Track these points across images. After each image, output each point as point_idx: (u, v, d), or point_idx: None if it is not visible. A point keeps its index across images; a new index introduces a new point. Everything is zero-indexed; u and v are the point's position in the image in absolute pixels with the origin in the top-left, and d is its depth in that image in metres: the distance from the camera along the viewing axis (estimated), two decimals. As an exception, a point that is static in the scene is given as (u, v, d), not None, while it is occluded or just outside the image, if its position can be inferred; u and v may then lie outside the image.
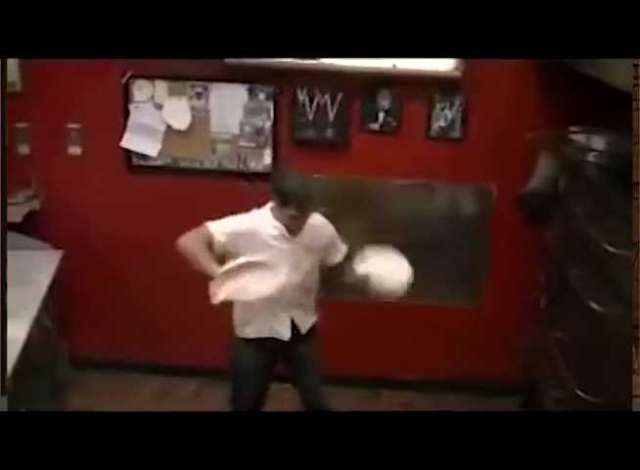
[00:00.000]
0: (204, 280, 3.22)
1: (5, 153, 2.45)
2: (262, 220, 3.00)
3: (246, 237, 2.96)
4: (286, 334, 3.12)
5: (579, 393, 2.81)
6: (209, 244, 2.93)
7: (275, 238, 3.00)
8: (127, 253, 3.97)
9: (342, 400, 3.78)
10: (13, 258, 3.34)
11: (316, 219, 3.09)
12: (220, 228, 2.95)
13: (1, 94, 2.32)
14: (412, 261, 3.10)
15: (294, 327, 3.13)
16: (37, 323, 3.02)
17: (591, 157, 3.18)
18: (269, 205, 3.04)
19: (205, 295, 3.34)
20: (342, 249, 3.20)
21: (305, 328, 3.17)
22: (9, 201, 3.62)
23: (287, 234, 3.00)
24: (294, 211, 2.90)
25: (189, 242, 2.92)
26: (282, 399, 3.66)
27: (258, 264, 2.85)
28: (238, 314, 3.13)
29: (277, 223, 2.98)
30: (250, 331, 3.13)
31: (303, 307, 3.16)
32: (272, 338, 3.12)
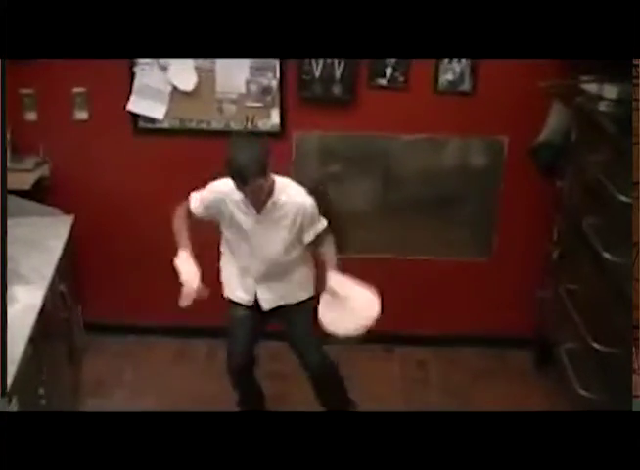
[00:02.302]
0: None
1: (5, 152, 2.44)
2: (229, 190, 2.98)
3: (216, 208, 3.06)
4: (248, 304, 3.22)
5: (593, 344, 2.82)
6: (190, 215, 3.12)
7: (240, 210, 3.03)
8: (137, 216, 3.97)
9: (356, 357, 3.82)
10: (25, 225, 3.39)
11: (294, 196, 3.04)
12: (195, 201, 3.11)
13: (1, 94, 2.31)
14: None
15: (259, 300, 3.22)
16: (52, 289, 3.04)
17: (603, 106, 3.14)
18: None
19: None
20: (317, 227, 3.10)
21: (271, 304, 3.22)
22: (19, 168, 3.63)
23: (250, 208, 3.01)
24: (239, 184, 2.86)
25: (174, 218, 3.12)
26: (281, 357, 3.70)
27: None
28: (222, 274, 3.28)
29: (241, 195, 2.98)
30: (227, 291, 3.27)
31: (278, 282, 3.19)
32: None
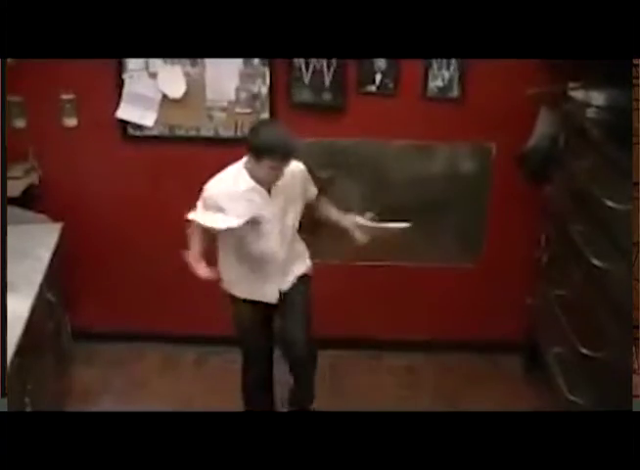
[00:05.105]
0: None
1: (5, 152, 2.44)
2: (237, 181, 2.95)
3: (226, 198, 2.94)
4: (273, 299, 3.15)
5: (581, 349, 2.83)
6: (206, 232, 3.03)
7: (253, 198, 2.96)
8: (126, 223, 3.96)
9: (346, 363, 3.83)
10: (13, 232, 3.36)
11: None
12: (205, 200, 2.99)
13: (1, 94, 2.30)
14: (414, 222, 3.13)
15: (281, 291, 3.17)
16: (40, 297, 3.02)
17: (590, 113, 3.15)
18: (243, 161, 2.99)
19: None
20: (312, 187, 3.22)
21: (288, 285, 3.16)
22: (8, 175, 3.59)
23: (262, 193, 2.96)
24: (271, 162, 2.83)
25: (190, 237, 3.06)
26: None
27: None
28: (224, 274, 3.14)
29: (253, 183, 2.93)
30: (238, 292, 3.15)
31: (292, 263, 3.16)
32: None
